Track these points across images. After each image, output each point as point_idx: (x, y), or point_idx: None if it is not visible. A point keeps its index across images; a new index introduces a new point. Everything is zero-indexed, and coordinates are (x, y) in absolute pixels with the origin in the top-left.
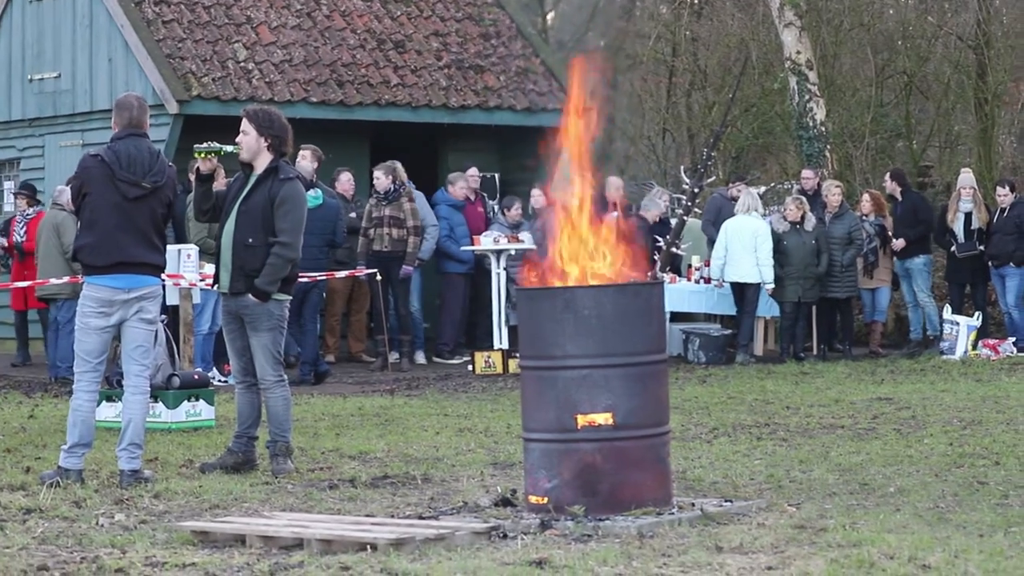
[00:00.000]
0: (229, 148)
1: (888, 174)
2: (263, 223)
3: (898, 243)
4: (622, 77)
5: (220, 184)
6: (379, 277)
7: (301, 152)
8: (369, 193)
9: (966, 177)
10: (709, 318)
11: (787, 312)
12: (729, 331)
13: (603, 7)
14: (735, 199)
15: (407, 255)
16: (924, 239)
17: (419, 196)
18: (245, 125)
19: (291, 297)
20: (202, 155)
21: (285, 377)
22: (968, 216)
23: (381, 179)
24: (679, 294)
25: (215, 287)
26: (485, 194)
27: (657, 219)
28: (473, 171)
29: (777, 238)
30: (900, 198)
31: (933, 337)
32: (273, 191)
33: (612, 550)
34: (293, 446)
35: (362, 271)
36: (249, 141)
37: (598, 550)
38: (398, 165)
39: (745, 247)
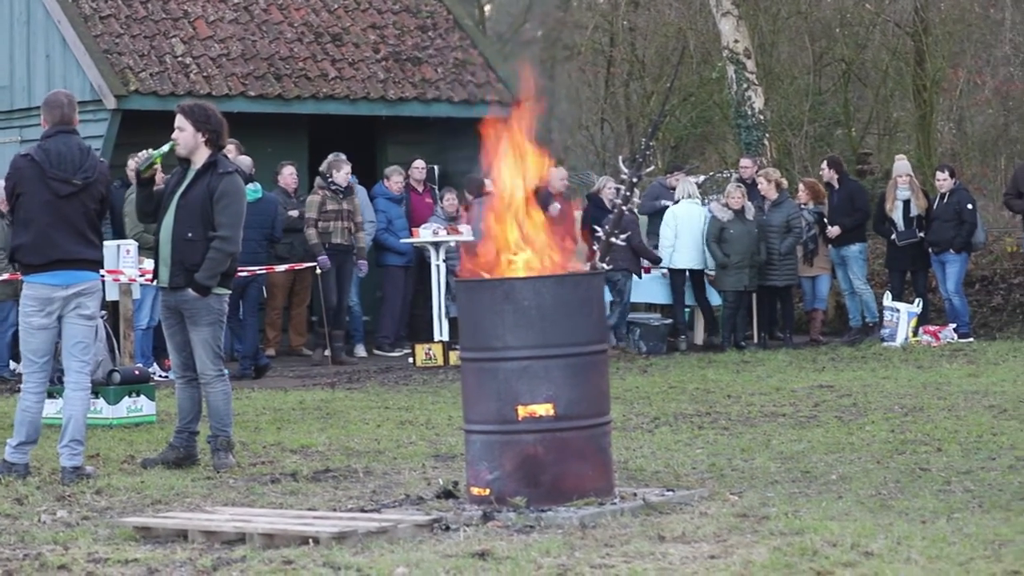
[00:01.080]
0: (165, 148)
1: (825, 162)
2: (202, 217)
3: (833, 230)
4: (559, 68)
5: (159, 181)
6: (319, 271)
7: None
8: (310, 186)
9: (901, 165)
10: (650, 308)
11: (729, 301)
12: (670, 320)
13: None
14: (674, 188)
15: (359, 249)
16: (860, 227)
17: (361, 191)
18: (181, 121)
19: (231, 291)
20: (146, 171)
21: (225, 371)
22: (907, 203)
23: (344, 171)
24: None
25: (154, 282)
26: (434, 186)
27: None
28: (419, 163)
29: (720, 227)
30: (837, 185)
31: (872, 324)
32: (212, 185)
33: (555, 541)
34: (234, 440)
35: (305, 264)
36: (186, 137)
37: (541, 541)
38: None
39: (693, 233)
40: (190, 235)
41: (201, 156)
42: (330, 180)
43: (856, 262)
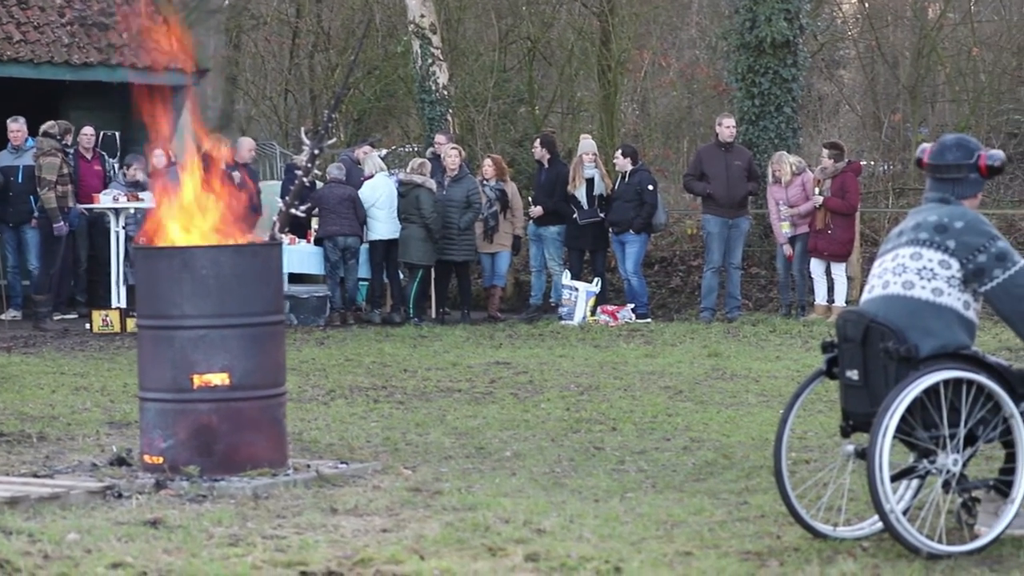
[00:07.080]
0: None
1: (538, 140)
2: None
3: (536, 210)
4: (245, 37)
5: None
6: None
7: None
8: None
9: (587, 143)
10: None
11: (408, 275)
12: (324, 293)
13: None
14: (358, 162)
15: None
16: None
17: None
18: None
19: None
20: None
21: None
22: (590, 182)
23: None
24: (298, 256)
25: None
26: (105, 152)
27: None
28: (88, 129)
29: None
30: (547, 165)
31: (555, 304)
32: None
33: (227, 511)
34: None
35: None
36: None
37: (213, 510)
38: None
39: (389, 206)
40: None
41: None
42: (64, 143)
43: (554, 243)
